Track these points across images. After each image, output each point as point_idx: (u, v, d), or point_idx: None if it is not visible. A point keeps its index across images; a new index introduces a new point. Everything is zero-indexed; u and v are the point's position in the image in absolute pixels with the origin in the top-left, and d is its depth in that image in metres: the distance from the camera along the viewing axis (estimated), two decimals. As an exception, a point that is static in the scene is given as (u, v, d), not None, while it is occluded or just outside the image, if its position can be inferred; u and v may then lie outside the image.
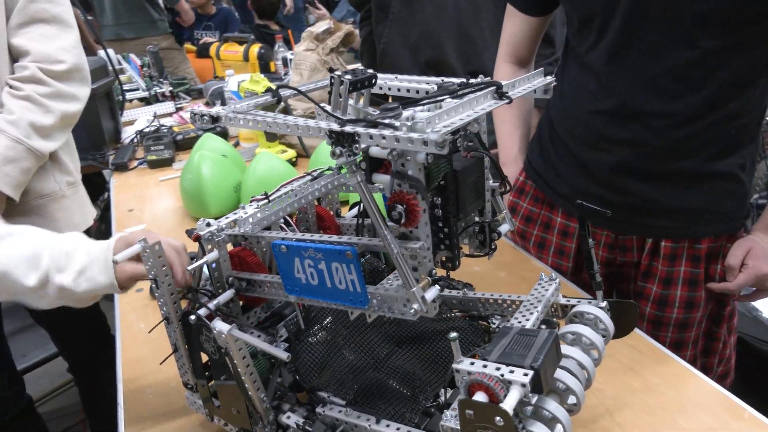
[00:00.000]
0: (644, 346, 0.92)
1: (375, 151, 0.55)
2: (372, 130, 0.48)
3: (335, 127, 0.50)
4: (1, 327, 1.42)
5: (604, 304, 0.71)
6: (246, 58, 2.56)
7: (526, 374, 0.52)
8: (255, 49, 2.55)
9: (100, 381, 1.62)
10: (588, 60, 0.97)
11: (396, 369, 0.75)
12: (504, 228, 0.70)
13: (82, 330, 1.57)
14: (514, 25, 1.15)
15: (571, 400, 0.60)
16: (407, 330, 0.82)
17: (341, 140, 0.50)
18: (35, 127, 1.12)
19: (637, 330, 0.96)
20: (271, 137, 1.77)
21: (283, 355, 0.60)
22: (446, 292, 0.85)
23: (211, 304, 0.67)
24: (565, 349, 0.64)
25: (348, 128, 0.49)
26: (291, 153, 1.71)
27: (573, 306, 0.72)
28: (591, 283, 0.97)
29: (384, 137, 0.48)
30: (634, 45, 0.90)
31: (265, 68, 2.53)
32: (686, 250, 0.99)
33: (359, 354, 0.76)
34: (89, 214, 1.37)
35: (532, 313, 0.67)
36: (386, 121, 0.50)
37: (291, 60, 2.17)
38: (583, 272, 1.15)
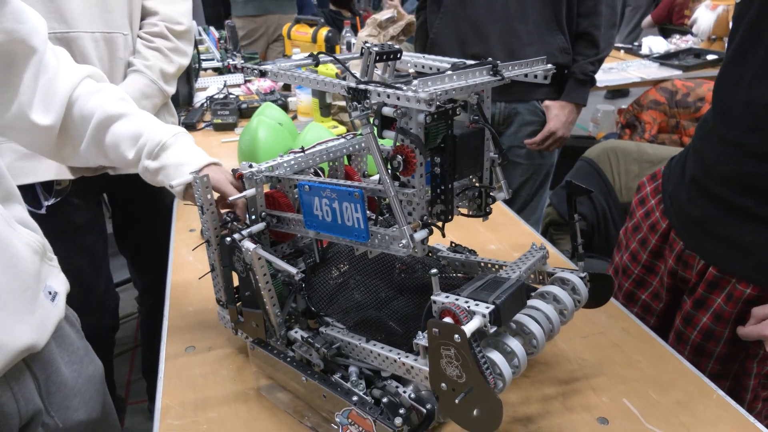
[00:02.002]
0: (634, 329, 0.98)
1: (386, 110, 0.65)
2: (379, 89, 0.59)
3: (352, 84, 0.61)
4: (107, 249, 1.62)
5: (584, 274, 0.79)
6: (314, 39, 2.71)
7: (488, 307, 0.62)
8: (323, 32, 2.69)
9: (160, 310, 1.82)
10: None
11: (396, 311, 0.85)
12: (500, 196, 0.79)
13: (156, 262, 1.74)
14: None
15: (533, 343, 0.69)
16: (412, 282, 0.92)
17: (356, 96, 0.62)
18: (163, 73, 1.41)
19: (630, 315, 1.02)
20: (325, 113, 1.91)
21: (293, 270, 0.72)
22: (451, 255, 0.96)
23: (245, 231, 0.80)
24: (537, 303, 0.73)
25: (362, 86, 0.60)
26: (341, 129, 1.84)
27: (556, 273, 0.80)
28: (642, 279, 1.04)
29: (388, 95, 0.59)
30: (737, 68, 0.87)
31: (331, 51, 2.68)
32: (729, 285, 0.95)
33: (365, 294, 0.88)
34: None
35: (514, 272, 0.76)
36: (396, 84, 0.61)
37: (353, 44, 2.30)
38: (652, 273, 1.14)
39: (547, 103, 1.74)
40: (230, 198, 0.81)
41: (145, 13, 1.43)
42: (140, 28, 1.43)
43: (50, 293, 0.76)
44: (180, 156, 0.89)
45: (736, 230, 0.93)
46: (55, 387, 0.80)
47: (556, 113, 1.72)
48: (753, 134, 0.86)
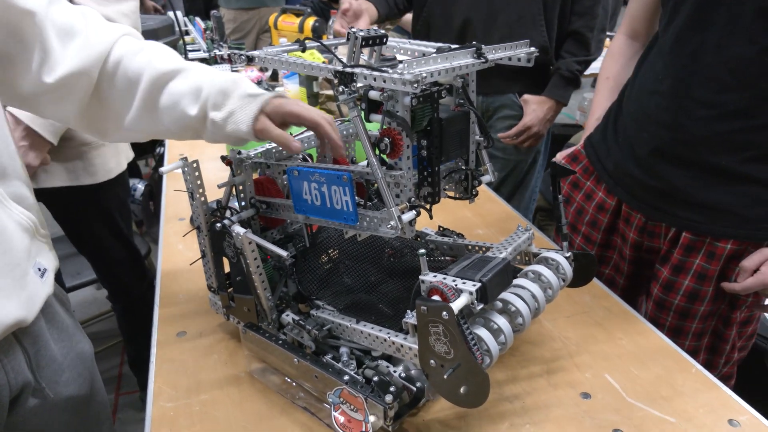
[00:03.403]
0: (617, 308, 1.01)
1: (373, 94, 0.67)
2: (366, 72, 0.60)
3: (339, 67, 0.62)
4: None
5: (568, 254, 0.81)
6: (301, 29, 2.70)
7: (474, 285, 0.64)
8: (310, 21, 2.69)
9: (133, 308, 1.81)
10: (661, 40, 1.00)
11: (385, 294, 0.87)
12: (486, 178, 0.81)
13: (120, 263, 1.72)
14: (633, 0, 1.20)
15: (519, 321, 0.71)
16: (401, 266, 0.94)
17: (344, 79, 0.63)
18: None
19: (614, 295, 1.05)
20: (313, 102, 1.91)
21: (284, 253, 0.73)
22: (439, 238, 0.97)
23: (234, 217, 0.81)
24: (524, 282, 0.75)
25: (348, 69, 0.62)
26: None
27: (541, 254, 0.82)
28: (602, 255, 1.07)
29: (374, 78, 0.60)
30: (698, 32, 0.91)
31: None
32: (706, 245, 0.99)
33: (355, 278, 0.89)
34: (124, 159, 1.58)
35: (501, 252, 0.78)
36: (382, 68, 0.62)
37: (341, 33, 2.29)
38: (609, 248, 1.20)
39: (526, 97, 1.71)
40: (218, 184, 0.82)
41: None
42: None
43: (39, 270, 0.76)
44: (252, 95, 0.79)
45: (713, 192, 0.96)
46: (44, 361, 0.81)
47: (534, 108, 1.69)
48: (729, 92, 0.89)
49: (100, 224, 1.62)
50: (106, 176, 1.52)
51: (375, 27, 0.73)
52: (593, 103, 1.29)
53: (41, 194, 1.47)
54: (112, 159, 1.53)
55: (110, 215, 1.63)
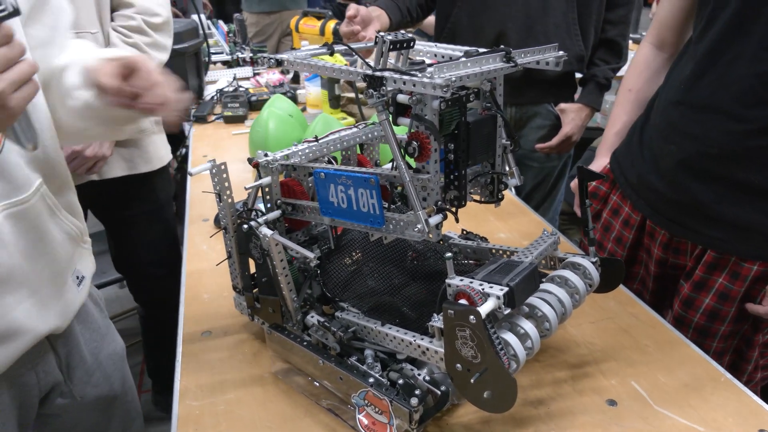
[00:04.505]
0: (644, 315, 0.99)
1: (401, 98, 0.67)
2: (395, 75, 0.61)
3: (369, 71, 0.63)
4: None
5: (595, 259, 0.81)
6: (322, 32, 2.72)
7: (501, 289, 0.63)
8: (331, 24, 2.70)
9: (164, 318, 1.81)
10: (694, 48, 0.97)
11: (408, 297, 0.87)
12: (512, 182, 0.80)
13: (161, 264, 1.71)
14: (662, 6, 1.16)
15: (546, 326, 0.71)
16: (424, 269, 0.94)
17: (373, 83, 0.63)
18: None
19: (640, 302, 1.03)
20: (335, 104, 1.92)
21: (310, 255, 0.74)
22: (463, 242, 0.97)
23: (261, 219, 0.82)
24: (550, 287, 0.75)
25: (378, 73, 0.62)
26: (350, 121, 1.86)
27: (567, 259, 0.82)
28: (628, 272, 1.03)
29: (404, 82, 0.60)
30: (736, 41, 0.88)
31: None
32: (730, 264, 0.96)
33: (379, 281, 0.89)
34: (169, 149, 1.61)
35: (527, 257, 0.78)
36: (411, 72, 0.63)
37: (362, 36, 2.30)
38: (636, 264, 1.17)
39: (562, 106, 1.70)
40: (246, 186, 0.82)
41: (118, 4, 1.34)
42: (113, 20, 1.34)
43: (78, 278, 0.78)
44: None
45: (741, 209, 0.93)
46: (75, 362, 0.82)
47: (573, 117, 1.68)
48: (762, 107, 0.86)
49: (149, 216, 1.61)
50: (160, 163, 1.54)
51: (402, 32, 0.73)
52: (612, 115, 1.26)
53: (95, 186, 1.44)
54: (162, 147, 1.56)
55: (160, 206, 1.63)
